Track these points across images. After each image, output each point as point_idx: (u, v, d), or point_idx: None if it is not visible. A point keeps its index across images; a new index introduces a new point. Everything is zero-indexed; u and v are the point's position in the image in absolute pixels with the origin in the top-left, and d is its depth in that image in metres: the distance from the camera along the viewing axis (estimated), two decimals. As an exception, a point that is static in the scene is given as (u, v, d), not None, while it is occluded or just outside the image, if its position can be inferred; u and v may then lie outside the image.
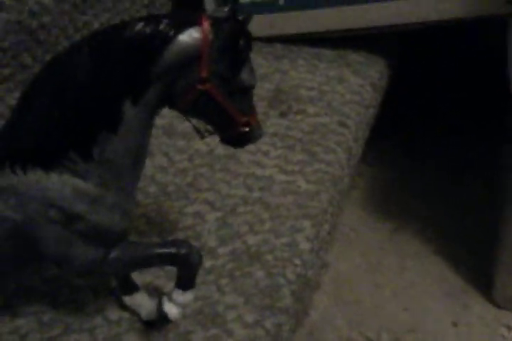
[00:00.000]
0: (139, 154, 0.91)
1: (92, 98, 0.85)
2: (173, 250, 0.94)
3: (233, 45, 0.87)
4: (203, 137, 1.00)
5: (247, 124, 0.95)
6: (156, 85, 0.86)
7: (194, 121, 0.99)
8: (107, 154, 0.87)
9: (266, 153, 1.50)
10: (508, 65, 1.46)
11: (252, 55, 1.96)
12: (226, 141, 1.00)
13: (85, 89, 0.84)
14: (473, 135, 2.22)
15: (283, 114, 1.64)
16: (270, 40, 1.91)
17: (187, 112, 0.94)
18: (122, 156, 0.88)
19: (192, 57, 0.86)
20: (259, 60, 1.86)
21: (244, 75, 0.90)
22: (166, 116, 1.62)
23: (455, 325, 1.69)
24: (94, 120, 0.86)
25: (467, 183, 2.11)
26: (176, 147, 1.53)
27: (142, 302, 1.09)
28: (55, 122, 0.86)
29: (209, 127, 0.98)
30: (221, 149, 1.52)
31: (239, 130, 0.95)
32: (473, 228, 1.95)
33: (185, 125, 1.60)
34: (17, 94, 1.37)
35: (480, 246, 1.87)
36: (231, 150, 1.51)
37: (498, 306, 1.71)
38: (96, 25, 1.63)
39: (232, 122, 0.94)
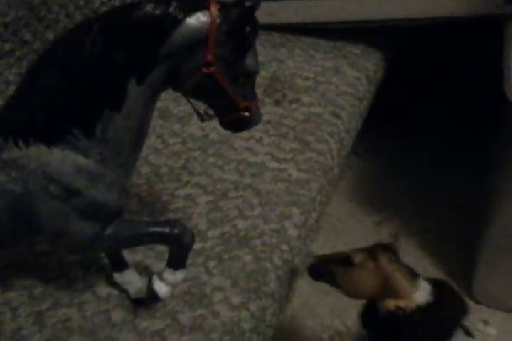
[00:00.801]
0: (140, 133, 0.93)
1: (98, 75, 0.86)
2: (166, 229, 0.96)
3: (240, 30, 0.88)
4: (202, 120, 1.01)
5: (247, 109, 0.96)
6: (162, 66, 0.88)
7: (195, 103, 1.00)
8: (109, 132, 0.89)
9: (259, 140, 1.52)
10: (504, 63, 1.49)
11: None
12: (225, 124, 1.01)
13: (92, 66, 0.85)
14: (464, 131, 2.25)
15: (277, 102, 1.66)
16: (268, 28, 1.92)
17: (190, 94, 0.96)
18: (124, 134, 0.90)
19: (199, 40, 0.87)
20: (257, 48, 1.87)
21: (249, 61, 0.92)
22: (162, 99, 1.65)
23: (433, 317, 1.72)
24: (99, 97, 0.87)
25: (454, 180, 2.14)
26: (170, 130, 1.55)
27: (132, 280, 1.11)
28: (60, 97, 0.87)
29: (209, 110, 0.99)
30: (215, 134, 1.53)
31: (239, 114, 0.97)
32: (456, 224, 1.98)
33: (180, 108, 1.62)
34: (16, 70, 1.39)
35: (462, 241, 1.91)
36: (225, 135, 1.54)
37: (477, 301, 1.75)
38: (97, 4, 1.63)
39: (233, 106, 0.95)
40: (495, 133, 1.92)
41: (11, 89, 1.38)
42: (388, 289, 1.04)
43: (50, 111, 0.88)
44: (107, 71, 0.86)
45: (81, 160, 0.89)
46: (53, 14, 1.46)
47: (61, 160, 0.88)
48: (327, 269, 1.11)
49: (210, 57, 0.88)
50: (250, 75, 0.94)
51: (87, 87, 0.86)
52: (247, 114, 0.97)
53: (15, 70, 1.39)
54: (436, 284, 1.07)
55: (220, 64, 0.90)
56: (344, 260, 1.07)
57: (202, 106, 1.01)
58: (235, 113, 0.97)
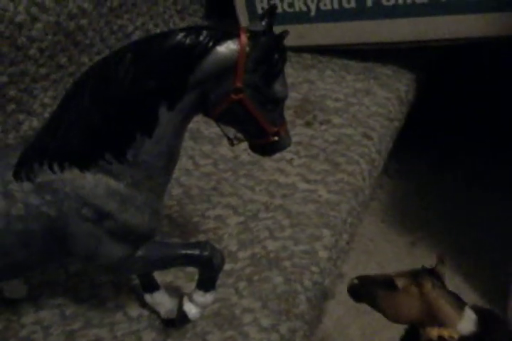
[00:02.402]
0: (171, 157, 0.95)
1: (130, 102, 0.88)
2: (197, 251, 0.97)
3: (268, 58, 0.90)
4: (232, 144, 1.02)
5: (276, 134, 0.97)
6: (192, 93, 0.90)
7: (225, 127, 1.02)
8: (141, 156, 0.90)
9: (289, 161, 1.53)
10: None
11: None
12: (255, 149, 1.02)
13: (125, 93, 0.87)
14: (499, 153, 2.22)
15: (308, 124, 1.67)
16: (299, 50, 1.94)
17: (219, 120, 0.97)
18: (155, 159, 0.92)
19: (228, 67, 0.89)
20: (288, 70, 1.85)
21: (277, 87, 0.93)
22: (193, 120, 1.67)
23: (468, 340, 1.69)
24: (131, 123, 0.89)
25: (488, 200, 2.11)
26: (201, 151, 1.57)
27: (162, 301, 1.11)
28: (94, 123, 0.89)
29: (239, 134, 1.01)
30: (245, 155, 1.55)
31: (268, 139, 0.98)
32: (490, 244, 1.95)
33: (211, 130, 1.64)
34: (51, 93, 1.42)
35: (496, 262, 1.87)
36: (255, 156, 1.53)
37: (512, 324, 1.71)
38: (130, 29, 1.67)
39: (262, 132, 0.96)
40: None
41: (48, 112, 1.42)
42: (432, 316, 1.01)
43: (84, 136, 0.90)
44: (139, 98, 0.88)
45: (113, 183, 0.91)
46: (88, 39, 1.50)
47: (94, 183, 0.90)
48: (369, 291, 1.10)
49: (239, 84, 0.90)
50: (279, 101, 0.95)
51: (120, 113, 0.89)
52: (276, 138, 0.98)
53: (51, 93, 1.43)
54: (482, 313, 1.03)
55: (249, 90, 0.91)
56: (387, 283, 1.05)
57: (232, 130, 1.02)
58: (264, 138, 0.98)
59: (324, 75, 1.87)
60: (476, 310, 1.03)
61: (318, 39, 1.90)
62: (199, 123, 1.65)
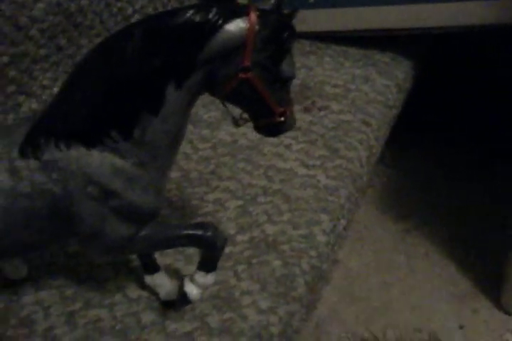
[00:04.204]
0: (176, 137, 0.95)
1: (138, 79, 0.87)
2: (200, 232, 0.97)
3: (277, 37, 0.90)
4: (237, 124, 1.02)
5: (282, 114, 0.97)
6: (200, 71, 0.89)
7: (230, 108, 1.01)
8: (147, 135, 0.90)
9: (288, 147, 1.53)
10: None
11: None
12: (260, 129, 1.02)
13: (132, 71, 0.87)
14: (495, 142, 2.23)
15: (307, 109, 1.67)
16: (298, 36, 1.91)
17: (226, 99, 0.97)
18: (161, 138, 0.91)
19: (237, 46, 0.88)
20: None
21: (285, 67, 0.93)
22: (193, 104, 1.67)
23: (461, 327, 1.71)
24: (138, 101, 0.89)
25: (484, 189, 2.12)
26: (200, 135, 1.56)
27: (162, 283, 1.12)
28: (100, 101, 0.89)
29: (244, 115, 1.00)
30: (244, 140, 1.55)
31: (274, 119, 0.98)
32: (485, 233, 1.96)
33: (210, 114, 1.64)
34: (51, 75, 1.41)
35: (490, 250, 1.89)
36: (254, 141, 1.55)
37: (506, 312, 1.73)
38: (129, 12, 1.66)
39: (268, 111, 0.96)
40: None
41: (47, 94, 1.41)
42: None
43: (90, 114, 0.89)
44: (147, 76, 0.87)
45: (119, 162, 0.90)
46: (88, 21, 1.49)
47: (100, 162, 0.90)
48: None
49: (247, 63, 0.89)
50: (287, 81, 0.95)
51: (127, 91, 0.88)
52: (282, 119, 0.98)
53: (50, 75, 1.42)
54: None
55: (257, 69, 0.91)
56: None
57: (236, 111, 1.02)
58: (270, 118, 0.97)
59: (323, 61, 1.87)
60: None
61: (317, 25, 1.89)
62: (198, 107, 1.64)
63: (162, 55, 0.86)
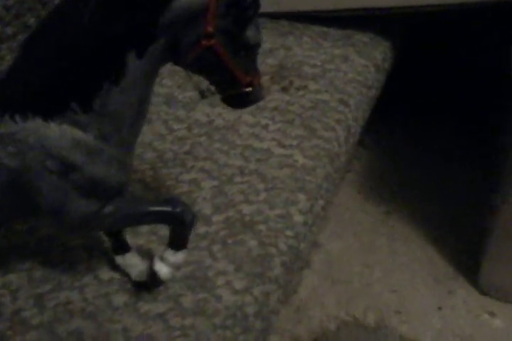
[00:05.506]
0: (140, 108, 0.91)
1: (96, 47, 0.84)
2: (167, 208, 0.94)
3: (240, 1, 0.87)
4: (204, 96, 0.99)
5: (249, 84, 0.95)
6: (162, 39, 0.86)
7: (196, 79, 0.98)
8: (108, 106, 0.87)
9: (265, 127, 1.51)
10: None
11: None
12: (227, 100, 0.99)
13: (91, 38, 0.84)
14: (473, 125, 2.22)
15: (284, 89, 1.64)
16: (276, 16, 1.90)
17: (190, 68, 0.94)
18: (123, 109, 0.88)
19: (199, 11, 0.85)
20: (264, 36, 1.84)
21: (250, 33, 0.91)
22: (167, 85, 1.64)
23: (440, 308, 1.70)
24: (97, 70, 0.85)
25: (462, 171, 2.12)
26: (175, 116, 1.53)
27: (133, 263, 1.09)
28: (58, 71, 0.85)
29: (211, 87, 0.98)
30: (220, 120, 1.52)
31: (241, 90, 0.95)
32: (463, 215, 1.96)
33: (185, 95, 1.61)
34: (19, 54, 1.37)
35: (469, 233, 1.89)
36: (230, 121, 1.52)
37: (483, 292, 1.72)
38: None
39: (234, 81, 0.93)
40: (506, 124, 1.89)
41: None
42: None
43: (48, 84, 0.86)
44: (106, 43, 0.84)
45: (79, 134, 0.87)
46: (57, -1, 1.45)
47: (59, 134, 0.86)
48: None
49: (210, 29, 0.87)
50: (252, 48, 0.93)
51: (85, 59, 0.85)
52: (249, 89, 0.95)
53: (18, 54, 1.38)
54: None
55: (221, 36, 0.88)
56: None
57: (204, 83, 0.99)
58: (236, 88, 0.95)
59: (301, 42, 1.84)
60: None
61: (295, 5, 1.87)
62: (173, 88, 1.62)
63: (121, 20, 0.83)
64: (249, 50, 0.92)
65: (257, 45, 0.93)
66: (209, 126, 1.50)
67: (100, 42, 0.84)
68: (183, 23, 0.86)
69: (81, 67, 0.85)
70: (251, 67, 0.94)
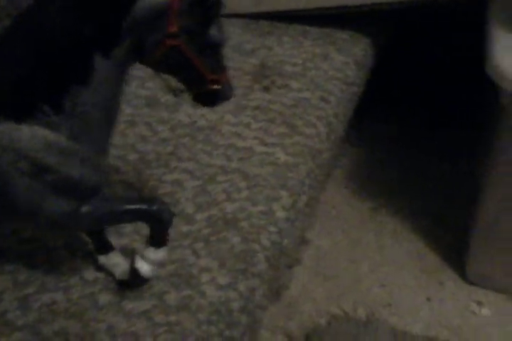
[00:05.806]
0: (110, 108, 0.93)
1: (63, 49, 0.85)
2: (144, 206, 0.96)
3: (203, 1, 0.88)
4: (175, 95, 1.01)
5: (216, 82, 0.96)
6: (127, 39, 0.88)
7: (166, 78, 1.00)
8: (78, 107, 0.88)
9: (247, 126, 1.52)
10: (485, 43, 1.48)
11: (239, 31, 1.98)
12: (197, 98, 1.01)
13: (57, 40, 0.85)
14: (457, 120, 2.24)
15: (266, 88, 1.66)
16: (257, 16, 1.92)
17: (156, 67, 0.96)
18: (93, 110, 0.89)
19: (162, 11, 0.87)
20: (245, 36, 1.87)
21: (214, 32, 0.92)
22: (150, 87, 1.66)
23: (429, 300, 1.72)
24: (65, 72, 0.87)
25: (447, 165, 2.14)
26: (158, 118, 1.55)
27: (116, 262, 1.10)
28: (26, 73, 0.86)
29: (180, 85, 0.99)
30: (203, 121, 1.53)
31: (208, 87, 0.96)
32: (448, 209, 1.98)
33: (168, 97, 1.62)
34: None
35: (455, 226, 1.91)
36: (213, 121, 1.54)
37: (471, 283, 1.74)
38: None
39: (201, 79, 0.95)
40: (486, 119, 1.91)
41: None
42: None
43: (17, 86, 0.87)
44: (72, 44, 0.85)
45: (51, 136, 0.88)
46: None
47: (30, 136, 0.87)
48: None
49: (173, 29, 0.88)
50: (216, 46, 0.94)
51: (53, 61, 0.86)
52: (216, 87, 0.97)
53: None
54: None
55: (185, 35, 0.90)
56: None
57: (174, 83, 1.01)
58: (203, 86, 0.96)
59: (282, 41, 1.86)
60: None
61: (275, 5, 1.89)
62: (155, 90, 1.63)
63: (85, 22, 0.85)
64: (214, 49, 0.94)
65: (221, 44, 0.95)
66: (192, 127, 1.51)
67: (66, 44, 0.85)
68: (148, 24, 0.88)
69: (49, 69, 0.86)
70: (217, 65, 0.96)
